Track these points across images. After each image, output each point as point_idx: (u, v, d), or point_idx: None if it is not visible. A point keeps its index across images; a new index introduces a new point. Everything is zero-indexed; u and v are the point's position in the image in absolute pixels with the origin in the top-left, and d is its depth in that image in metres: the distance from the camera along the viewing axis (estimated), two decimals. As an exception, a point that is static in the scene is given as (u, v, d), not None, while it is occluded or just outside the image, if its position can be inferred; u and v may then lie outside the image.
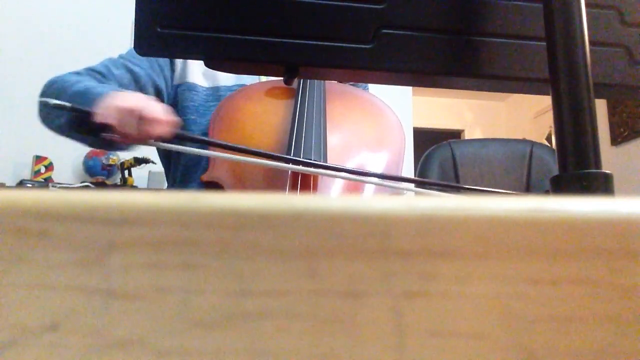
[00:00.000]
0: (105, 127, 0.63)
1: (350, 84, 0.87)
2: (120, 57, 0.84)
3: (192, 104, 0.84)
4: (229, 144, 0.63)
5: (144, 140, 0.63)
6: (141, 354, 0.12)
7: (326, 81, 0.78)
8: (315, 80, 0.76)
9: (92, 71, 0.79)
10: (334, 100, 0.76)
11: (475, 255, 0.13)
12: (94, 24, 2.60)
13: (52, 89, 0.75)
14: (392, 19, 0.34)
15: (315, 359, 0.12)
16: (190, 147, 0.67)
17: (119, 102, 0.62)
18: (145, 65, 0.83)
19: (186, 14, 0.32)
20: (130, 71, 0.81)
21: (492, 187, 1.65)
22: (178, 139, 0.64)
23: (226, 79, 0.86)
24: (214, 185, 0.67)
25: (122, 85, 0.79)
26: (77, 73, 0.79)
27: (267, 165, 0.61)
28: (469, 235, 0.13)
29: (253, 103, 0.73)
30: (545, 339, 0.13)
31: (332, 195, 0.64)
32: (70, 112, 0.64)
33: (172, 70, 0.86)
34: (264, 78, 0.84)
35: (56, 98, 0.70)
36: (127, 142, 0.64)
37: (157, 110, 0.63)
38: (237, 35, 0.32)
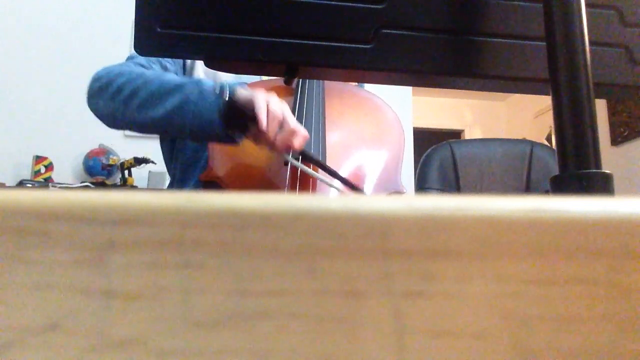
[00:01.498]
0: (247, 128, 0.61)
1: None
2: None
3: None
4: (349, 181, 0.62)
5: (277, 147, 0.62)
6: (141, 354, 0.12)
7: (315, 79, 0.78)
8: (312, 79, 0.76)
9: (139, 65, 0.77)
10: (332, 99, 0.76)
11: (475, 255, 0.13)
12: (94, 24, 2.60)
13: (122, 79, 0.71)
14: (392, 19, 0.34)
15: (315, 359, 0.12)
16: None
17: (272, 105, 0.61)
18: (170, 61, 0.83)
19: (186, 14, 0.32)
20: (165, 67, 0.81)
21: (492, 187, 1.65)
22: (302, 155, 0.63)
23: (227, 78, 0.86)
24: (212, 185, 0.67)
25: None
26: (126, 65, 0.77)
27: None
28: (469, 235, 0.13)
29: None
30: (545, 339, 0.13)
31: (331, 195, 0.64)
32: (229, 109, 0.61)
33: (184, 66, 0.86)
34: (264, 77, 0.84)
35: (139, 89, 0.67)
36: (260, 143, 0.62)
37: (296, 121, 0.63)
38: (237, 35, 0.32)
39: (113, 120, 0.74)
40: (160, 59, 0.81)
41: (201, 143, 0.80)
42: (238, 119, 0.62)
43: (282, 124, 0.61)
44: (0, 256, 0.13)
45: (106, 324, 0.12)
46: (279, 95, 0.76)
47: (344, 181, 0.62)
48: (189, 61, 0.86)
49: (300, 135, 0.62)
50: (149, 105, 0.67)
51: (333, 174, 0.62)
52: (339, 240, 0.13)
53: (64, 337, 0.12)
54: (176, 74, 0.84)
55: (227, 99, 0.61)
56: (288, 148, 0.61)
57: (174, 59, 0.83)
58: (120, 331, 0.12)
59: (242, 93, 0.63)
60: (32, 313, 0.12)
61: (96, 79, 0.74)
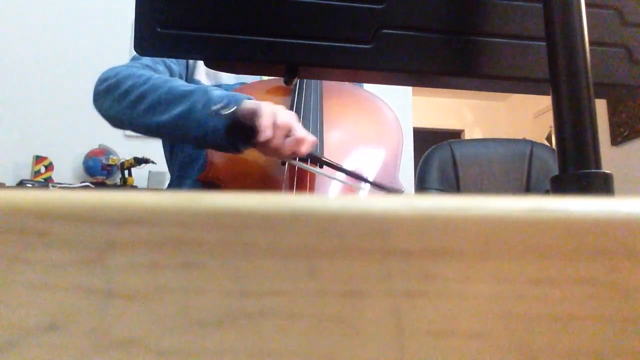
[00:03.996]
0: (252, 139, 0.62)
1: None
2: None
3: None
4: (354, 172, 0.63)
5: (283, 156, 0.62)
6: (141, 354, 0.12)
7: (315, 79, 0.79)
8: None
9: (145, 66, 0.78)
10: (330, 98, 0.77)
11: (475, 255, 0.13)
12: (94, 24, 2.60)
13: (129, 82, 0.71)
14: (392, 19, 0.34)
15: (315, 359, 0.12)
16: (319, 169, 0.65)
17: (278, 117, 0.62)
18: (174, 61, 0.83)
19: (186, 14, 0.32)
20: (169, 67, 0.82)
21: (492, 187, 1.65)
22: (311, 158, 0.64)
23: (228, 77, 0.86)
24: (211, 185, 0.67)
25: None
26: (136, 67, 0.77)
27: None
28: (469, 235, 0.13)
29: None
30: (545, 339, 0.13)
31: (330, 194, 0.64)
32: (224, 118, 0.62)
33: (187, 67, 0.87)
34: (265, 77, 0.84)
35: (146, 94, 0.68)
36: (270, 155, 0.63)
37: (303, 130, 0.63)
38: (237, 35, 0.32)
39: (119, 122, 0.75)
40: (164, 60, 0.82)
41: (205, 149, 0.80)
42: (242, 129, 0.63)
43: (289, 134, 0.62)
44: (0, 256, 0.13)
45: (106, 324, 0.12)
46: (278, 95, 0.76)
47: (348, 173, 0.63)
48: (191, 60, 0.86)
49: (308, 142, 0.62)
50: (155, 111, 0.68)
51: (336, 167, 0.63)
52: (339, 240, 0.13)
53: (64, 337, 0.12)
54: (180, 73, 0.84)
55: (231, 111, 0.62)
56: (294, 154, 0.62)
57: (178, 60, 0.84)
58: (120, 331, 0.12)
59: (248, 104, 0.64)
60: (32, 313, 0.12)
61: (103, 80, 0.75)
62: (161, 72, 0.79)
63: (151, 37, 0.32)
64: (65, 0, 2.60)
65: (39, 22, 2.55)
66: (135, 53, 0.80)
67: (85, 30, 2.58)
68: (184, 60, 0.85)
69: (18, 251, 0.13)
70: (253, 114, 0.62)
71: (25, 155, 2.39)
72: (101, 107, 0.75)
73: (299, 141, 0.61)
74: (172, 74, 0.82)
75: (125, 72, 0.74)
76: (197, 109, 0.65)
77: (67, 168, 2.48)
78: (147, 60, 0.79)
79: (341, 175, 0.63)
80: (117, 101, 0.72)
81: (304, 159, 0.64)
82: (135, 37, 0.32)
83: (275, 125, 0.61)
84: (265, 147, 0.62)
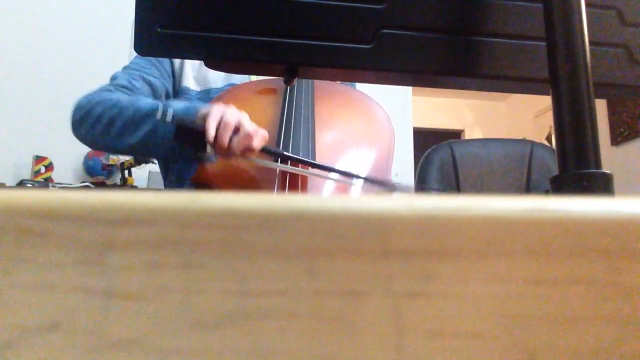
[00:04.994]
0: (204, 143, 0.63)
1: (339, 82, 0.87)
2: (130, 68, 0.85)
3: None
4: (307, 160, 0.63)
5: (241, 154, 0.63)
6: (141, 354, 0.12)
7: (315, 79, 0.79)
8: (304, 79, 0.76)
9: (119, 86, 0.80)
10: (322, 98, 0.77)
11: (475, 255, 0.13)
12: (94, 24, 2.60)
13: (107, 113, 0.74)
14: (392, 19, 0.34)
15: (315, 359, 0.12)
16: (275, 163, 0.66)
17: (226, 117, 0.63)
18: (156, 74, 0.85)
19: (186, 14, 0.32)
20: (148, 82, 0.83)
21: (492, 187, 1.65)
22: (265, 152, 0.64)
23: (216, 81, 0.87)
24: (203, 186, 0.67)
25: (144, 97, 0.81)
26: (109, 90, 0.79)
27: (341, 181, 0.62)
28: (469, 235, 0.13)
29: (242, 103, 0.74)
30: (545, 339, 0.13)
31: (326, 195, 0.64)
32: (175, 129, 0.64)
33: (174, 75, 0.87)
34: (254, 78, 0.84)
35: (115, 118, 0.71)
36: (225, 156, 0.64)
37: (252, 125, 0.64)
38: (237, 35, 0.32)
39: (99, 147, 0.79)
40: (144, 74, 0.83)
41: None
42: (192, 137, 0.64)
43: (237, 131, 0.63)
44: (0, 256, 0.13)
45: (106, 324, 0.12)
46: (267, 94, 0.76)
47: (320, 167, 0.63)
48: (177, 68, 0.87)
49: (258, 135, 0.63)
50: (125, 133, 0.72)
51: (306, 162, 0.63)
52: (339, 240, 0.13)
53: (64, 337, 0.12)
54: (165, 86, 0.85)
55: (169, 120, 0.63)
56: (247, 151, 0.63)
57: (160, 72, 0.85)
58: (120, 331, 0.12)
59: (202, 111, 0.65)
60: (32, 313, 0.12)
61: (77, 109, 0.78)
62: (139, 89, 0.81)
63: (151, 37, 0.32)
64: (65, 0, 2.60)
65: (39, 22, 2.55)
66: (135, 54, 0.81)
67: (85, 30, 2.58)
68: (169, 70, 0.86)
69: (18, 251, 0.13)
70: (204, 119, 0.64)
71: (25, 155, 2.39)
72: (79, 135, 0.78)
73: (248, 136, 0.62)
74: (153, 89, 0.83)
75: (97, 98, 0.76)
76: (160, 125, 0.68)
77: (67, 168, 2.47)
78: (122, 80, 0.81)
79: (315, 171, 0.63)
80: (91, 128, 0.75)
81: (282, 160, 0.64)
82: (135, 37, 0.32)
83: (221, 124, 0.62)
84: (217, 148, 0.63)
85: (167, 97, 0.85)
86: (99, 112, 0.74)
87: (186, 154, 0.70)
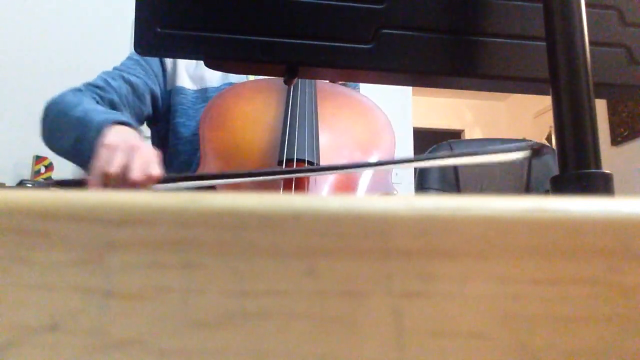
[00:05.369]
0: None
1: (340, 83, 0.87)
2: (115, 68, 0.85)
3: (181, 107, 0.85)
4: (216, 174, 0.60)
5: (135, 184, 0.58)
6: (141, 354, 0.12)
7: (317, 80, 0.79)
8: (307, 79, 0.76)
9: (91, 86, 0.80)
10: (325, 100, 0.76)
11: (475, 255, 0.13)
12: (94, 23, 2.60)
13: (53, 112, 0.75)
14: (392, 19, 0.34)
15: (315, 359, 0.12)
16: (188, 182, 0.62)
17: (108, 168, 0.57)
18: (141, 74, 0.84)
19: (186, 14, 0.32)
20: (128, 81, 0.82)
21: (492, 187, 1.64)
22: (166, 182, 0.60)
23: (213, 80, 0.86)
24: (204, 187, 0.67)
25: (121, 96, 0.80)
26: (78, 90, 0.79)
27: (266, 180, 0.59)
28: (469, 235, 0.13)
29: (244, 102, 0.73)
30: (545, 339, 0.13)
31: (328, 195, 0.64)
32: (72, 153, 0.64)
33: (164, 75, 0.87)
34: (251, 77, 0.84)
35: (57, 123, 0.72)
36: (118, 186, 0.59)
37: (145, 154, 0.58)
38: (237, 35, 0.32)
39: (52, 148, 0.78)
40: (125, 73, 0.82)
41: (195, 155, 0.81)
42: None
43: (122, 174, 0.57)
44: (0, 256, 0.13)
45: (106, 324, 0.12)
46: (270, 94, 0.76)
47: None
48: (169, 68, 0.86)
49: (147, 178, 0.57)
50: (61, 137, 0.72)
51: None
52: (339, 240, 0.13)
53: (64, 337, 0.12)
54: (146, 85, 0.84)
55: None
56: (146, 180, 0.57)
57: (145, 71, 0.84)
58: (120, 331, 0.12)
59: (102, 139, 0.60)
60: (32, 313, 0.12)
61: (44, 109, 0.78)
62: (116, 88, 0.80)
63: (151, 37, 0.32)
64: (65, 0, 2.60)
65: (39, 22, 2.55)
66: (134, 52, 0.81)
67: (85, 30, 2.58)
68: (157, 70, 0.86)
69: (18, 251, 0.13)
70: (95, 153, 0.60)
71: (25, 155, 2.39)
72: (41, 135, 0.78)
73: (136, 182, 0.56)
74: (133, 88, 0.82)
75: (59, 99, 0.76)
76: (89, 135, 0.65)
77: (67, 168, 2.47)
78: (99, 79, 0.81)
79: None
80: (48, 130, 0.76)
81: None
82: (135, 37, 0.32)
83: (103, 179, 0.58)
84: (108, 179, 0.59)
85: (155, 98, 0.85)
86: (53, 114, 0.75)
87: None
